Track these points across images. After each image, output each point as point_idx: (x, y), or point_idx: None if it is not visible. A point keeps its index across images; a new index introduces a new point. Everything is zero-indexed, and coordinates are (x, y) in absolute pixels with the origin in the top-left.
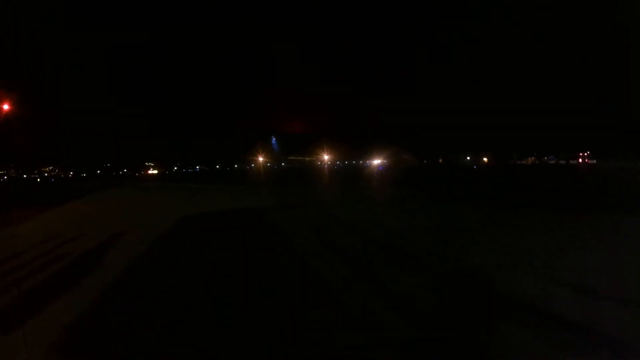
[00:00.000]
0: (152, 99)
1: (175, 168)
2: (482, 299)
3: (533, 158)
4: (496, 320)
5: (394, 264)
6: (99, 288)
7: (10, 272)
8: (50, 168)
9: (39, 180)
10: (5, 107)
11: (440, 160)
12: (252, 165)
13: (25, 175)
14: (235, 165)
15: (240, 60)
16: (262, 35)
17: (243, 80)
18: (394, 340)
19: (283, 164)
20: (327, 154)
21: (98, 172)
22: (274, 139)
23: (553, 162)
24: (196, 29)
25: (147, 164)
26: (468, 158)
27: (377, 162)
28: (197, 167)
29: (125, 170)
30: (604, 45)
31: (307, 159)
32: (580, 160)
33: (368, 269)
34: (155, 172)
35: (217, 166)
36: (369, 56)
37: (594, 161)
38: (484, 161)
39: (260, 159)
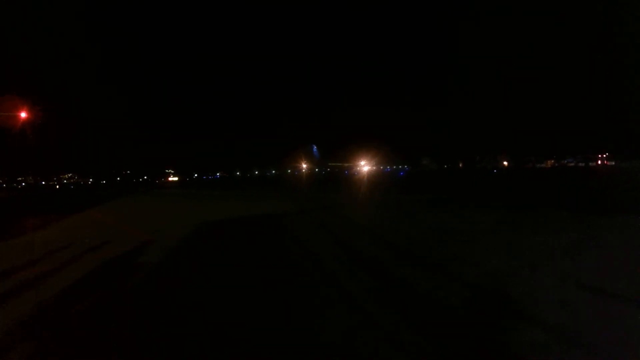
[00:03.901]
0: (172, 105)
1: (196, 175)
2: (501, 300)
3: (552, 161)
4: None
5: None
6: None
7: (30, 281)
8: (69, 175)
9: (57, 187)
10: (23, 114)
11: (460, 165)
12: (274, 171)
13: (43, 183)
14: (256, 172)
15: (274, 69)
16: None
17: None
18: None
19: (312, 170)
20: (363, 160)
21: (118, 179)
22: (314, 147)
23: (572, 164)
24: (225, 39)
25: (167, 170)
26: (487, 162)
27: (398, 167)
28: (217, 174)
29: (145, 177)
30: (620, 48)
31: (345, 164)
32: (599, 162)
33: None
34: (176, 179)
35: (238, 172)
36: (392, 68)
37: (613, 162)
38: (503, 165)
39: (304, 165)
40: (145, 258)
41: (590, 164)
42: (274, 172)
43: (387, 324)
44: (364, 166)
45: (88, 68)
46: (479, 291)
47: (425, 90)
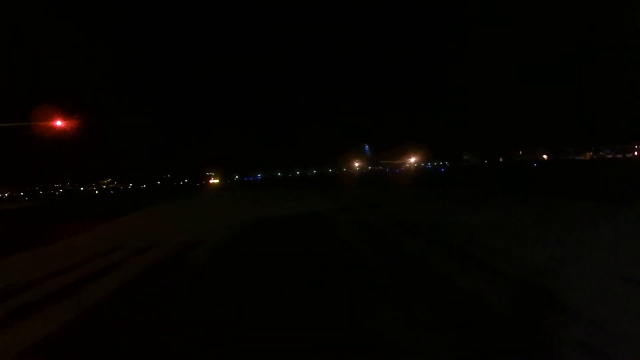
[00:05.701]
0: (213, 108)
1: (237, 177)
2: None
3: (590, 153)
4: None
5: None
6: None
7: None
8: (108, 180)
9: (96, 192)
10: (59, 123)
11: (500, 159)
12: (315, 170)
13: (82, 188)
14: (297, 172)
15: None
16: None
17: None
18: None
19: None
20: (412, 157)
21: (158, 183)
22: (366, 145)
23: (610, 155)
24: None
25: (207, 173)
26: (527, 155)
27: (439, 163)
28: (259, 175)
29: (185, 180)
30: None
31: (396, 162)
32: (635, 152)
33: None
34: (217, 181)
35: (279, 173)
36: (430, 68)
37: None
38: (543, 157)
39: (356, 163)
40: (189, 261)
41: (627, 155)
42: (314, 171)
43: (424, 318)
44: (411, 163)
45: (129, 74)
46: (525, 286)
47: (464, 86)
